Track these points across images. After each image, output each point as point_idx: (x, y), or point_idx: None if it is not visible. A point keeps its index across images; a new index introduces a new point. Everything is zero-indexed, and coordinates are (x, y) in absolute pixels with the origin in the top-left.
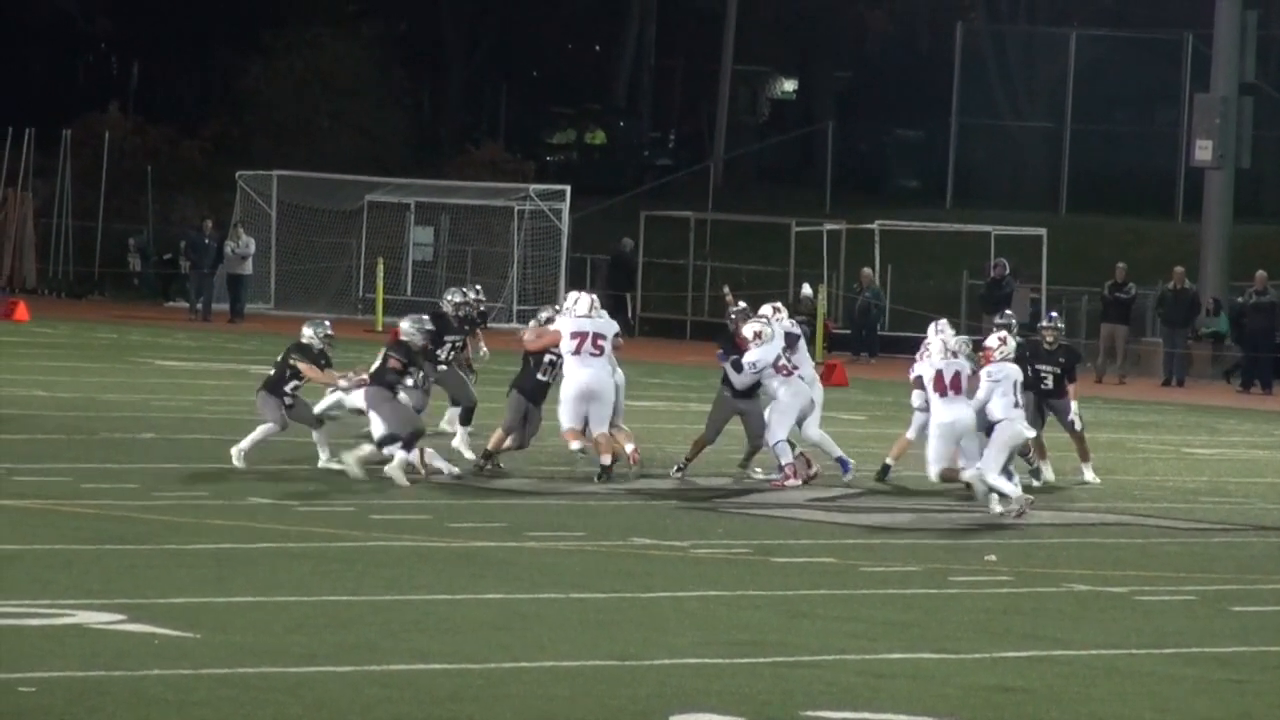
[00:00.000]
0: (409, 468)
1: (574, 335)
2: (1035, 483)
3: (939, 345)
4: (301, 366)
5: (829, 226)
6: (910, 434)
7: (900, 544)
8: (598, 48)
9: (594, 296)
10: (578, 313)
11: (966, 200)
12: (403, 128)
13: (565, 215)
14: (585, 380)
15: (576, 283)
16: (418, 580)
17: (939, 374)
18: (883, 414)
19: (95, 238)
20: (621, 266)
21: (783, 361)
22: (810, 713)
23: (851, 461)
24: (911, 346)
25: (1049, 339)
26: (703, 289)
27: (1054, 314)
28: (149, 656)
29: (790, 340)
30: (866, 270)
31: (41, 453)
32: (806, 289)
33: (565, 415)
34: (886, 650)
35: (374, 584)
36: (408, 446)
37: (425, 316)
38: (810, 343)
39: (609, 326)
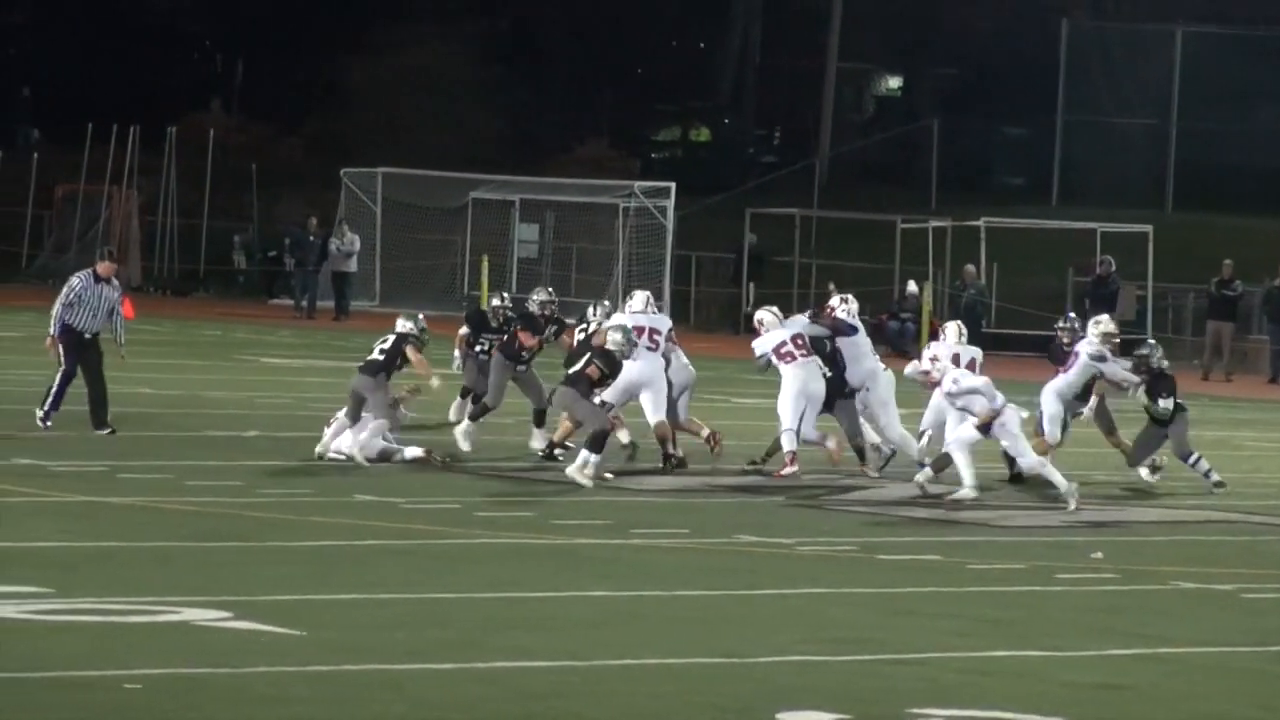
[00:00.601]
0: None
1: (634, 329)
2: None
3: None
4: (414, 357)
5: (934, 224)
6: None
7: (1006, 541)
8: (702, 45)
9: (649, 294)
10: (634, 309)
11: (1071, 197)
12: (504, 125)
13: (670, 213)
14: (637, 370)
15: (681, 279)
16: (520, 577)
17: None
18: None
19: (200, 235)
20: (749, 262)
21: (787, 348)
22: (914, 710)
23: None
24: (1017, 344)
25: (1065, 340)
26: (808, 286)
27: (1071, 314)
28: (253, 654)
29: (848, 331)
30: (970, 267)
31: (146, 450)
32: (912, 286)
33: (612, 396)
34: (990, 648)
35: (476, 581)
36: (596, 448)
37: (628, 325)
38: (916, 340)
39: (663, 322)
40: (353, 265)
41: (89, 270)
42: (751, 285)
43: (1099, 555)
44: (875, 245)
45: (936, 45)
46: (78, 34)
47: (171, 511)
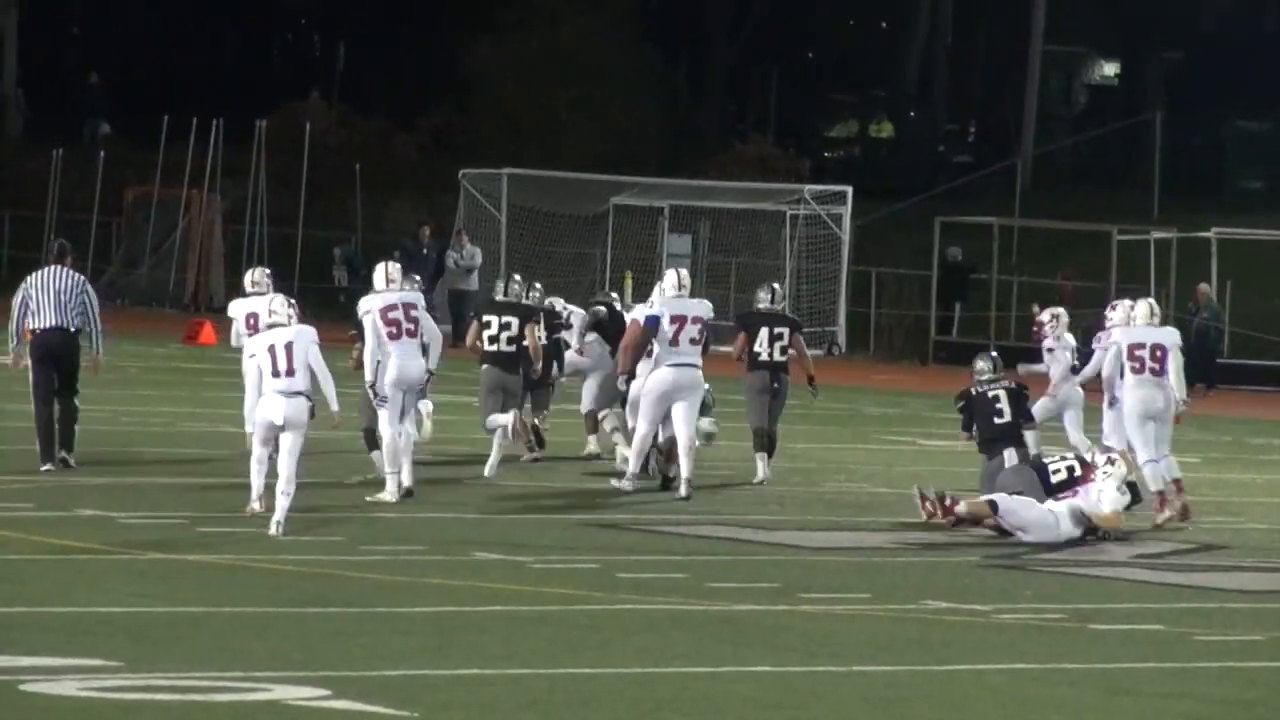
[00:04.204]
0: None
1: (674, 319)
2: None
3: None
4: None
5: (1157, 235)
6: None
7: (1241, 608)
8: (884, 25)
9: (684, 273)
10: (668, 292)
11: None
12: (656, 119)
13: (846, 221)
14: (674, 375)
15: (859, 299)
16: (673, 649)
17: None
18: (1222, 455)
19: (294, 247)
20: (952, 278)
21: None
22: None
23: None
24: (1255, 377)
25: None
26: (1008, 307)
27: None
28: None
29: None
30: (1203, 286)
31: (232, 500)
32: None
33: (645, 413)
34: None
35: (621, 654)
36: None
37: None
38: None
39: (705, 309)
40: (473, 282)
41: None
42: (958, 306)
43: None
44: (1087, 259)
45: (1160, 25)
46: (154, 12)
47: (261, 571)
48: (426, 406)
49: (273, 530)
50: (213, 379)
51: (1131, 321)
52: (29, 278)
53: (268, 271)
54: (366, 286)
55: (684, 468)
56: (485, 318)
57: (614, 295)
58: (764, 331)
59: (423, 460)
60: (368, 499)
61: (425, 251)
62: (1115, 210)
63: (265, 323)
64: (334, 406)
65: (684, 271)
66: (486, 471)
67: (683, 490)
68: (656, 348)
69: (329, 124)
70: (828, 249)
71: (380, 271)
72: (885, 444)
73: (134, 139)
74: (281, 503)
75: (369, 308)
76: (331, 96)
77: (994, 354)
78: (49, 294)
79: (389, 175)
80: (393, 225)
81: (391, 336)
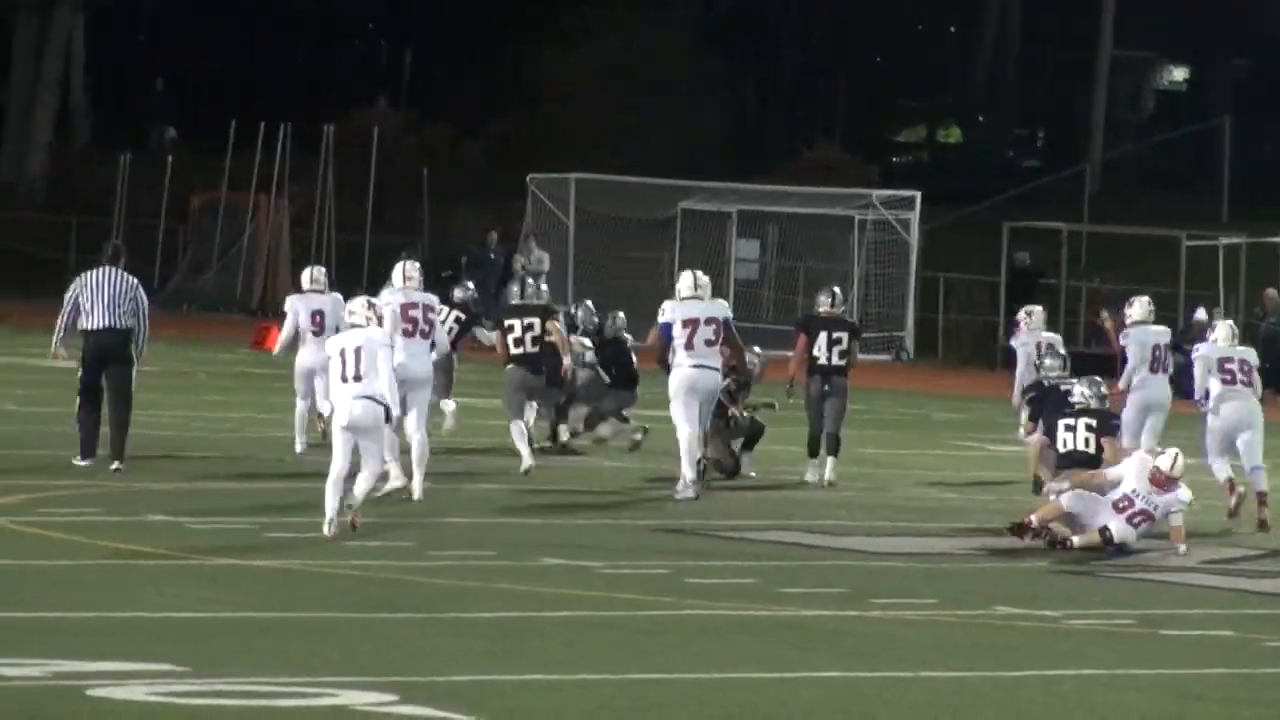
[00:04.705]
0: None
1: (685, 323)
2: None
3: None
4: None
5: (1226, 240)
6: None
7: None
8: (952, 29)
9: (700, 274)
10: (683, 293)
11: None
12: (723, 124)
13: (914, 226)
14: (694, 376)
15: (928, 305)
16: (741, 655)
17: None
18: None
19: (362, 253)
20: (1020, 283)
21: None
22: None
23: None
24: None
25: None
26: (1076, 313)
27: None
28: None
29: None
30: (1270, 291)
31: (298, 503)
32: (1200, 314)
33: (679, 416)
34: None
35: (689, 659)
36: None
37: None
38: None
39: (722, 310)
40: (542, 287)
41: None
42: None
43: None
44: (1156, 265)
45: (1230, 30)
46: (220, 18)
47: (328, 576)
48: (450, 405)
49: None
50: (280, 384)
51: (1214, 342)
52: (82, 276)
53: (324, 269)
54: (433, 291)
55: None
56: (508, 321)
57: (621, 321)
58: (823, 335)
59: (481, 471)
60: (376, 495)
61: (493, 256)
62: (1184, 215)
63: (347, 323)
64: (395, 411)
65: (700, 273)
66: (523, 468)
67: (691, 492)
68: (675, 352)
69: (397, 130)
70: (896, 254)
71: (399, 270)
72: (953, 449)
73: (200, 145)
74: (361, 487)
75: (390, 300)
76: (399, 102)
77: (1063, 352)
78: (103, 295)
79: (456, 181)
80: (460, 231)
81: (406, 334)
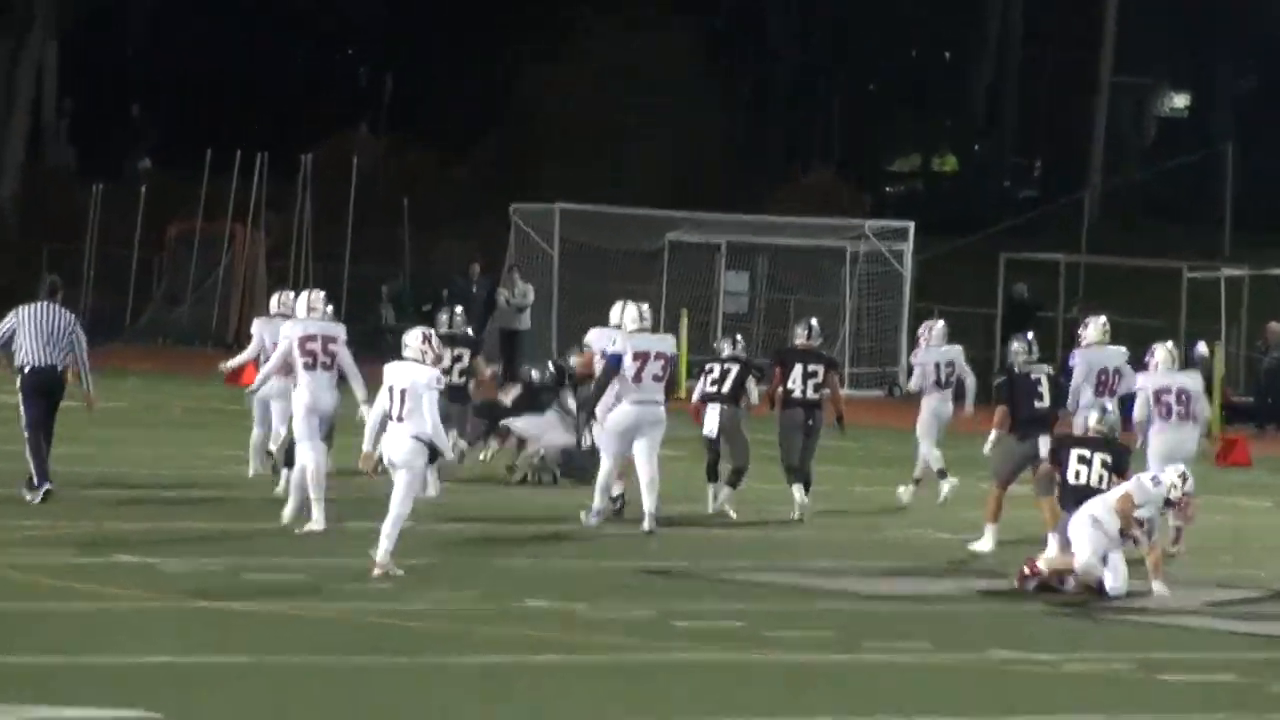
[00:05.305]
0: None
1: (636, 356)
2: None
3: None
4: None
5: (1228, 272)
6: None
7: None
8: (948, 55)
9: (646, 307)
10: (629, 326)
11: None
12: (715, 146)
13: (908, 258)
14: (637, 412)
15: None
16: (730, 701)
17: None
18: None
19: (340, 284)
20: (1017, 316)
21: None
22: None
23: None
24: None
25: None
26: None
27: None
28: None
29: None
30: (1273, 325)
31: (276, 546)
32: (1200, 348)
33: (609, 451)
34: None
35: (678, 706)
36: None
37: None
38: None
39: (669, 344)
40: (525, 321)
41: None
42: None
43: None
44: (1156, 297)
45: (1233, 54)
46: (197, 42)
47: (307, 620)
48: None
49: (375, 573)
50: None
51: (1154, 368)
52: (20, 309)
53: (324, 295)
54: (414, 324)
55: (647, 503)
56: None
57: (572, 360)
58: (799, 368)
59: (467, 516)
60: (297, 531)
61: (475, 289)
62: (1185, 246)
63: (407, 353)
64: (449, 455)
65: (645, 306)
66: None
67: (646, 525)
68: (619, 384)
69: (376, 157)
70: (889, 286)
71: (303, 300)
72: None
73: (177, 173)
74: (381, 545)
75: (288, 334)
76: (379, 128)
77: (1029, 334)
78: (41, 332)
79: (439, 209)
80: (442, 261)
81: (306, 366)
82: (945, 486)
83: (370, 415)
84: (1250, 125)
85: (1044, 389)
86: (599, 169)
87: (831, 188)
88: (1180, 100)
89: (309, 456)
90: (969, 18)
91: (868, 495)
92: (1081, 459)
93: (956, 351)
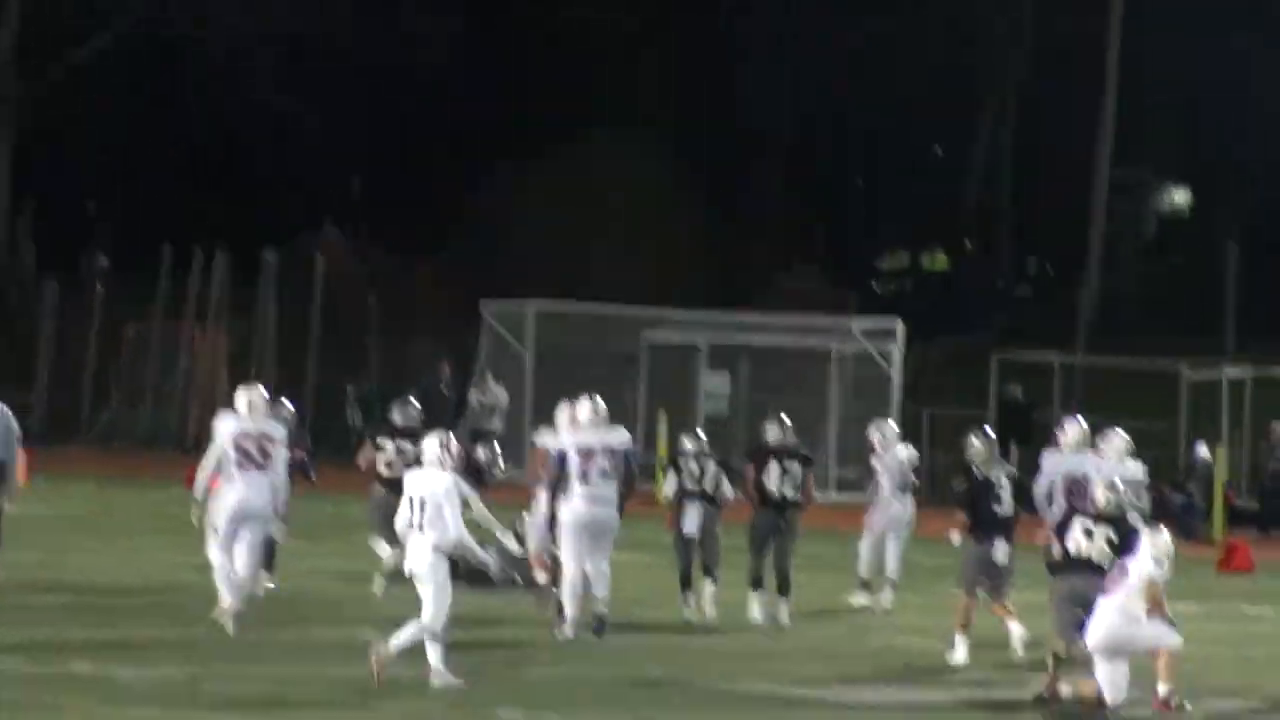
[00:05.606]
0: None
1: (580, 451)
2: None
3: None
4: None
5: (1230, 373)
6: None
7: None
8: (939, 150)
9: (598, 402)
10: (581, 421)
11: None
12: (693, 247)
13: (896, 359)
14: (591, 514)
15: (911, 442)
16: None
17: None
18: None
19: (304, 386)
20: (1011, 419)
21: None
22: None
23: None
24: None
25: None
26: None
27: None
28: None
29: None
30: (1277, 425)
31: (238, 654)
32: (1202, 450)
33: (568, 554)
34: None
35: None
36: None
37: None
38: (1205, 518)
39: (622, 438)
40: (497, 423)
41: None
42: (1016, 450)
43: None
44: (1155, 399)
45: (1235, 149)
46: (155, 136)
47: None
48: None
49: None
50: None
51: (1062, 450)
52: None
53: (264, 392)
54: (382, 426)
55: (599, 594)
56: (381, 440)
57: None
58: (774, 466)
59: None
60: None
61: (445, 391)
62: (1185, 347)
63: (425, 460)
64: (480, 556)
65: (598, 400)
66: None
67: (570, 632)
68: (570, 484)
69: (342, 255)
70: (877, 389)
71: (242, 399)
72: (938, 596)
73: (134, 273)
74: (397, 643)
75: (223, 430)
76: (346, 227)
77: (987, 428)
78: None
79: (406, 309)
80: (410, 363)
81: (239, 466)
82: (887, 596)
83: (398, 523)
84: (1255, 223)
85: (1003, 491)
86: (572, 269)
87: (814, 291)
88: (1180, 197)
89: (217, 556)
90: (960, 110)
91: (852, 602)
92: (1086, 531)
93: (912, 453)
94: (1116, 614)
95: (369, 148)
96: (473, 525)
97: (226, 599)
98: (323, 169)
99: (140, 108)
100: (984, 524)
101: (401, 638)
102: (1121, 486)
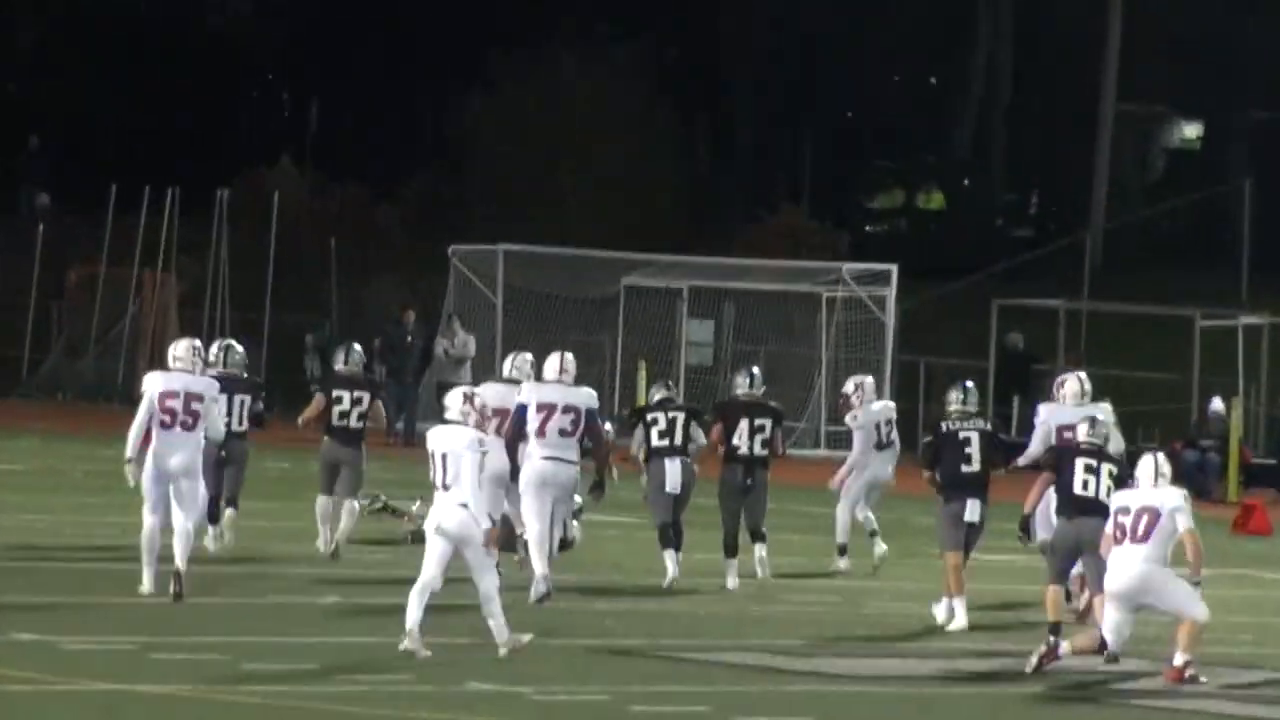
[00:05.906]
0: None
1: (540, 407)
2: None
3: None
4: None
5: (1245, 320)
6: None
7: None
8: (933, 80)
9: (568, 356)
10: (548, 377)
11: None
12: (672, 187)
13: (890, 304)
14: (550, 469)
15: (907, 393)
16: None
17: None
18: None
19: (260, 333)
20: (1011, 369)
21: None
22: None
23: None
24: None
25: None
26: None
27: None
28: None
29: None
30: None
31: (189, 623)
32: (1216, 404)
33: (530, 511)
34: None
35: None
36: None
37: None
38: (1221, 476)
39: (585, 397)
40: (465, 374)
41: None
42: (1017, 401)
43: None
44: (1166, 348)
45: (1247, 79)
46: (100, 68)
47: (222, 704)
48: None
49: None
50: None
51: (1062, 400)
52: None
53: (197, 345)
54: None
55: (537, 565)
56: (336, 392)
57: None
58: (744, 422)
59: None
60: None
61: (410, 339)
62: (1198, 292)
63: (449, 415)
64: (483, 524)
65: (568, 355)
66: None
67: (536, 591)
68: (528, 441)
69: (301, 193)
70: (869, 336)
71: (171, 350)
72: (935, 558)
73: (79, 212)
74: (492, 624)
75: (149, 387)
76: (304, 161)
77: (969, 383)
78: None
79: (369, 251)
80: (373, 308)
81: (163, 425)
82: (879, 549)
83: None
84: (1269, 157)
85: (973, 450)
86: (541, 212)
87: (802, 230)
88: (1191, 131)
89: (148, 520)
90: (956, 38)
91: (845, 567)
92: (1089, 469)
93: (891, 408)
94: (1144, 563)
95: (329, 76)
96: None
97: (146, 577)
98: (279, 99)
99: (83, 34)
100: (953, 483)
101: (497, 616)
102: (1103, 419)
